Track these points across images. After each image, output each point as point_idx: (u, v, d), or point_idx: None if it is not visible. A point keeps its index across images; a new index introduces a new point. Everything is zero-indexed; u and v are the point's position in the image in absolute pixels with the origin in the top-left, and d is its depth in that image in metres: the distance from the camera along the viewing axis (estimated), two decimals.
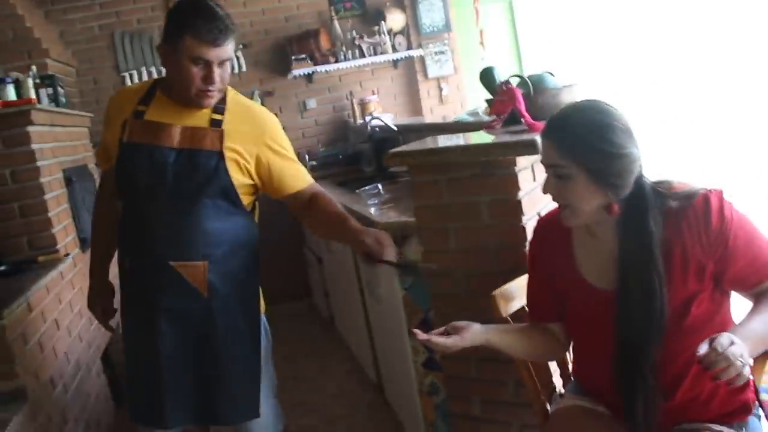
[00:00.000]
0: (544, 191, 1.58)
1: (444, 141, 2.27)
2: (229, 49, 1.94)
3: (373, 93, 5.22)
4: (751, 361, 1.30)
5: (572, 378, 1.86)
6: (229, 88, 2.09)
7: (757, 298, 1.51)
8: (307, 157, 4.91)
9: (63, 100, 3.72)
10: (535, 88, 2.27)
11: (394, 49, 5.15)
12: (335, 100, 5.29)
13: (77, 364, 2.97)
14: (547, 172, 1.57)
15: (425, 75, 5.36)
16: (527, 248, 1.91)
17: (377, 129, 4.40)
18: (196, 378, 2.05)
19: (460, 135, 2.49)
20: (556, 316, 1.75)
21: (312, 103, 5.24)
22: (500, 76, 2.38)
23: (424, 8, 5.29)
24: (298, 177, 2.13)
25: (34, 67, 3.52)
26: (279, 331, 4.70)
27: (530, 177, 2.08)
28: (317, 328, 4.79)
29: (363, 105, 5.08)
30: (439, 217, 2.17)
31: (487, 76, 2.43)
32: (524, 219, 2.01)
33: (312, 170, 4.77)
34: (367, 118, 4.69)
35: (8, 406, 2.19)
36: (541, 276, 1.76)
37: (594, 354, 1.68)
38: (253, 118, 2.08)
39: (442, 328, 1.64)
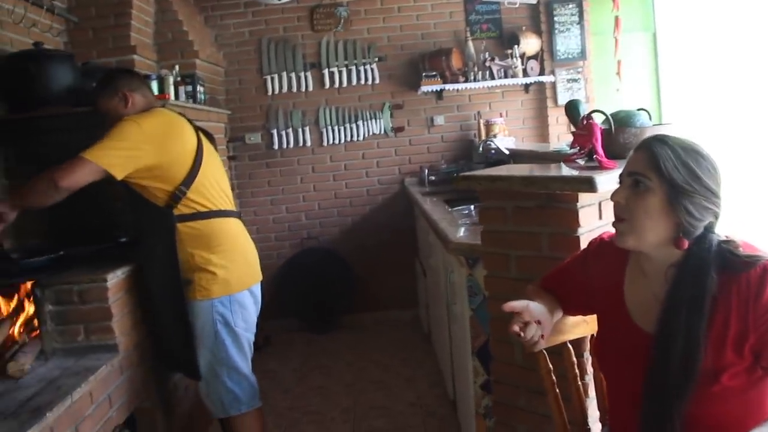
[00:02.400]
0: (613, 197, 1.54)
1: (512, 170, 2.30)
2: (98, 106, 2.69)
3: (501, 115, 5.24)
4: None
5: (603, 425, 1.85)
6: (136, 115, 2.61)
7: None
8: (427, 171, 5.02)
9: (201, 97, 4.07)
10: (621, 125, 2.26)
11: (526, 74, 5.15)
12: (463, 118, 5.37)
13: None
14: (623, 180, 1.54)
15: (555, 101, 5.31)
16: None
17: (492, 152, 4.43)
18: None
19: (545, 165, 2.51)
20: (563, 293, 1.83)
21: (440, 120, 5.34)
22: (584, 109, 2.37)
23: (561, 35, 5.25)
24: None
25: (177, 66, 3.88)
26: (380, 337, 4.92)
27: (595, 214, 2.07)
28: (416, 339, 4.89)
29: (488, 126, 5.11)
30: (502, 243, 2.22)
31: (571, 109, 2.44)
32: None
33: (430, 185, 4.89)
34: (486, 141, 4.73)
35: (101, 356, 2.50)
36: (576, 279, 1.78)
37: (623, 396, 1.66)
38: None
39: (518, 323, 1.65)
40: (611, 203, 1.56)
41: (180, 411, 3.04)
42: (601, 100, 5.38)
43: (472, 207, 3.19)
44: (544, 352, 1.82)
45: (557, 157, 3.06)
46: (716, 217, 1.49)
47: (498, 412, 2.38)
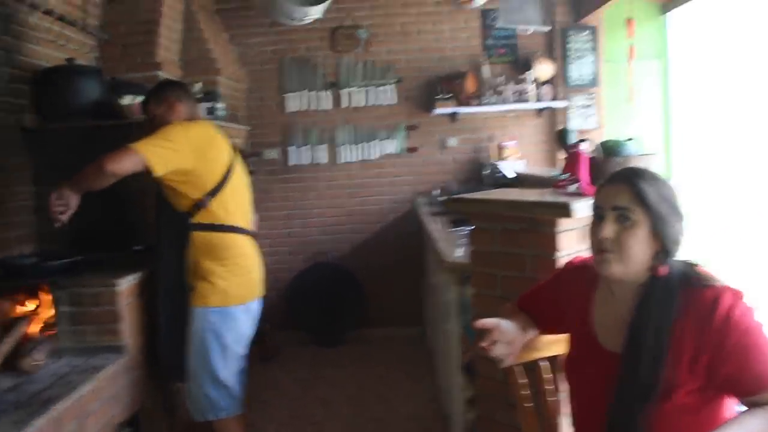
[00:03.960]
0: (601, 234, 1.58)
1: (502, 194, 2.42)
2: (147, 111, 2.93)
3: (513, 139, 5.36)
4: None
5: None
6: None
7: (750, 408, 1.48)
8: (439, 191, 5.14)
9: (221, 113, 4.25)
10: (608, 154, 2.37)
11: (539, 99, 5.27)
12: (476, 141, 5.48)
13: None
14: (604, 214, 1.59)
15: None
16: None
17: (499, 174, 4.55)
18: None
19: (528, 191, 2.62)
20: (537, 313, 1.92)
21: (453, 142, 5.47)
22: (573, 138, 2.49)
23: (575, 61, 5.37)
24: None
25: (199, 84, 4.06)
26: (386, 353, 5.02)
27: (575, 239, 2.18)
28: (420, 355, 4.98)
29: (500, 149, 5.23)
30: (490, 263, 2.34)
31: (562, 137, 2.55)
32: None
33: (440, 205, 5.01)
34: (493, 164, 4.85)
35: (109, 356, 2.67)
36: (549, 299, 1.89)
37: (590, 414, 1.74)
38: None
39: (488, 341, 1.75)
40: (601, 208, 1.62)
41: (181, 413, 3.17)
42: (613, 126, 5.48)
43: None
44: (515, 368, 1.92)
45: (553, 182, 3.17)
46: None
47: (481, 425, 2.49)
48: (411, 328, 5.45)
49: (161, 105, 2.87)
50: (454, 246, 3.10)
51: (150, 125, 2.90)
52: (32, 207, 3.27)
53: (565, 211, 1.97)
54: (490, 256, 2.33)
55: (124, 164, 2.55)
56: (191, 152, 2.68)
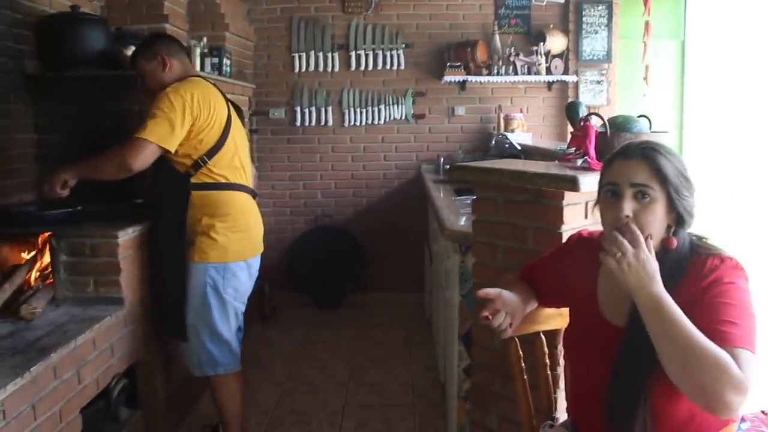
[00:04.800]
0: (620, 212, 1.52)
1: (506, 164, 2.39)
2: (137, 67, 2.84)
3: (521, 111, 5.30)
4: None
5: (568, 414, 1.94)
6: (175, 83, 2.74)
7: None
8: (441, 160, 5.11)
9: (227, 70, 4.19)
10: (617, 129, 2.33)
11: (549, 72, 5.21)
12: (484, 111, 5.43)
13: None
14: (621, 191, 1.54)
15: None
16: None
17: (506, 145, 4.51)
18: None
19: (517, 161, 2.61)
20: (539, 285, 1.91)
21: (461, 110, 5.42)
22: (583, 111, 2.46)
23: (588, 36, 5.29)
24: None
25: (205, 38, 4.00)
26: (384, 318, 5.05)
27: (581, 213, 2.16)
28: (418, 322, 5.00)
29: (507, 120, 5.19)
30: (491, 233, 2.32)
31: (570, 110, 2.52)
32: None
33: (444, 173, 4.98)
34: (500, 134, 4.82)
35: (107, 308, 2.67)
36: (553, 272, 1.87)
37: (588, 388, 1.73)
38: None
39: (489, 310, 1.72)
40: (617, 185, 1.55)
41: (179, 367, 3.19)
42: (624, 104, 5.43)
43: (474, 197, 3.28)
44: (516, 339, 1.92)
45: (555, 155, 3.14)
46: None
47: (476, 395, 2.50)
48: (411, 295, 5.46)
49: (152, 61, 2.81)
50: (456, 215, 3.08)
51: (142, 81, 2.87)
52: (33, 155, 3.25)
53: (572, 184, 1.95)
54: (493, 226, 2.31)
55: (146, 158, 2.59)
56: (190, 115, 2.66)
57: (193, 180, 2.73)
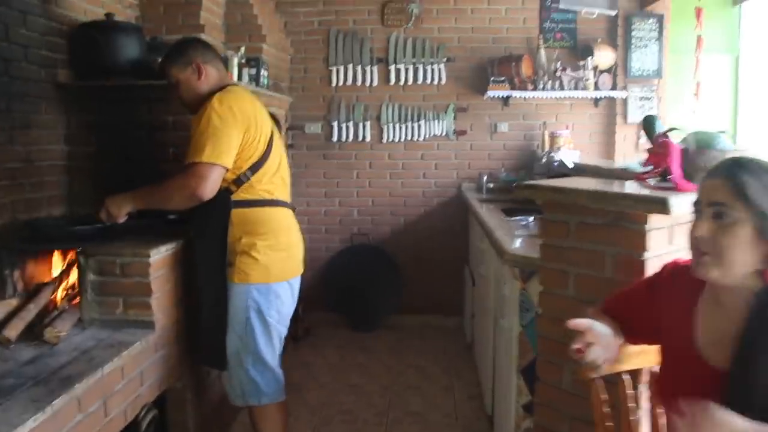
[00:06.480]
0: (694, 232, 1.41)
1: (580, 183, 2.17)
2: (169, 75, 2.62)
3: (567, 128, 5.07)
4: None
5: None
6: (217, 94, 2.50)
7: None
8: (485, 179, 4.90)
9: (264, 81, 4.03)
10: (700, 147, 2.10)
11: (597, 87, 4.98)
12: (527, 128, 5.22)
13: None
14: (701, 210, 1.41)
15: (625, 118, 5.12)
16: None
17: (555, 164, 4.29)
18: None
19: (592, 180, 2.38)
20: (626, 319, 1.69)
21: (504, 127, 5.21)
22: (661, 126, 2.23)
23: (638, 50, 5.06)
24: (188, 153, 2.44)
25: (242, 49, 3.85)
26: (422, 342, 4.82)
27: (665, 239, 1.93)
28: (458, 348, 4.76)
29: (553, 138, 4.96)
30: (562, 259, 2.10)
31: (648, 124, 2.29)
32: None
33: (488, 192, 4.77)
34: (550, 152, 4.59)
35: (136, 332, 2.47)
36: (643, 305, 1.66)
37: None
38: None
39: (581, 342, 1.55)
40: (683, 228, 1.43)
41: (211, 394, 2.99)
42: (673, 121, 5.18)
43: (530, 219, 3.06)
44: (600, 380, 1.70)
45: (624, 174, 2.91)
46: None
47: None
48: (449, 318, 5.25)
49: (186, 69, 2.60)
50: (511, 236, 2.86)
51: (174, 91, 2.68)
52: (64, 167, 3.09)
53: (662, 206, 1.72)
54: (563, 251, 2.09)
55: (215, 183, 2.43)
56: (243, 130, 2.47)
57: (234, 197, 2.53)
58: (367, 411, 3.70)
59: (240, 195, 2.54)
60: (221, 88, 2.57)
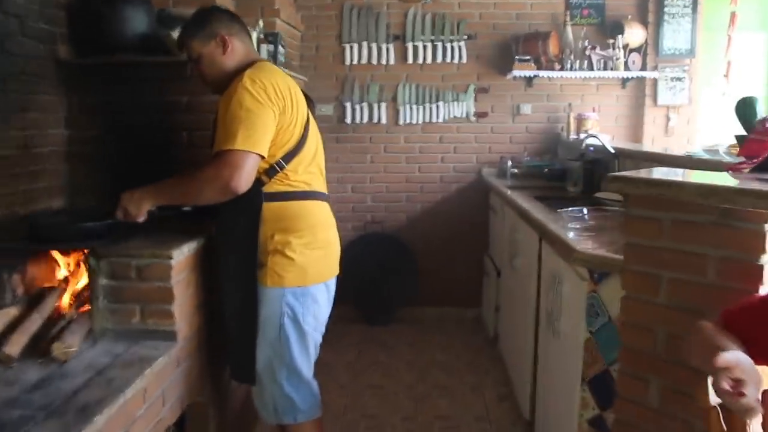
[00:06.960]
0: None
1: (678, 175, 1.89)
2: (190, 49, 2.31)
3: (594, 110, 4.79)
4: None
5: None
6: (248, 71, 2.17)
7: None
8: (509, 163, 4.62)
9: (282, 59, 3.71)
10: None
11: (626, 67, 4.69)
12: (551, 110, 4.93)
13: None
14: None
15: (654, 101, 4.84)
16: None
17: (591, 148, 4.00)
18: None
19: (689, 172, 2.11)
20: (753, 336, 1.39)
21: (527, 109, 4.91)
22: (763, 111, 1.95)
23: (670, 28, 4.77)
24: (217, 140, 2.14)
25: (261, 23, 3.55)
26: (442, 336, 4.56)
27: None
28: (480, 342, 4.52)
29: (579, 121, 4.68)
30: (652, 261, 1.82)
31: (745, 108, 2.01)
32: (762, 291, 1.60)
33: (512, 178, 4.50)
34: (582, 135, 4.31)
35: (157, 344, 2.17)
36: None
37: None
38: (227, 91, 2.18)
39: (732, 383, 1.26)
40: None
41: (233, 406, 2.72)
42: (704, 103, 4.92)
43: (585, 210, 2.78)
44: (714, 410, 1.43)
45: (692, 163, 2.64)
46: None
47: None
48: (467, 310, 5.00)
49: (209, 42, 2.27)
50: (564, 230, 2.58)
51: (194, 67, 2.37)
52: (64, 153, 2.78)
53: None
54: (655, 252, 1.81)
55: (250, 173, 2.10)
56: (277, 110, 2.16)
57: (266, 189, 2.23)
58: (393, 415, 3.44)
59: (273, 187, 2.23)
60: (249, 64, 2.26)
